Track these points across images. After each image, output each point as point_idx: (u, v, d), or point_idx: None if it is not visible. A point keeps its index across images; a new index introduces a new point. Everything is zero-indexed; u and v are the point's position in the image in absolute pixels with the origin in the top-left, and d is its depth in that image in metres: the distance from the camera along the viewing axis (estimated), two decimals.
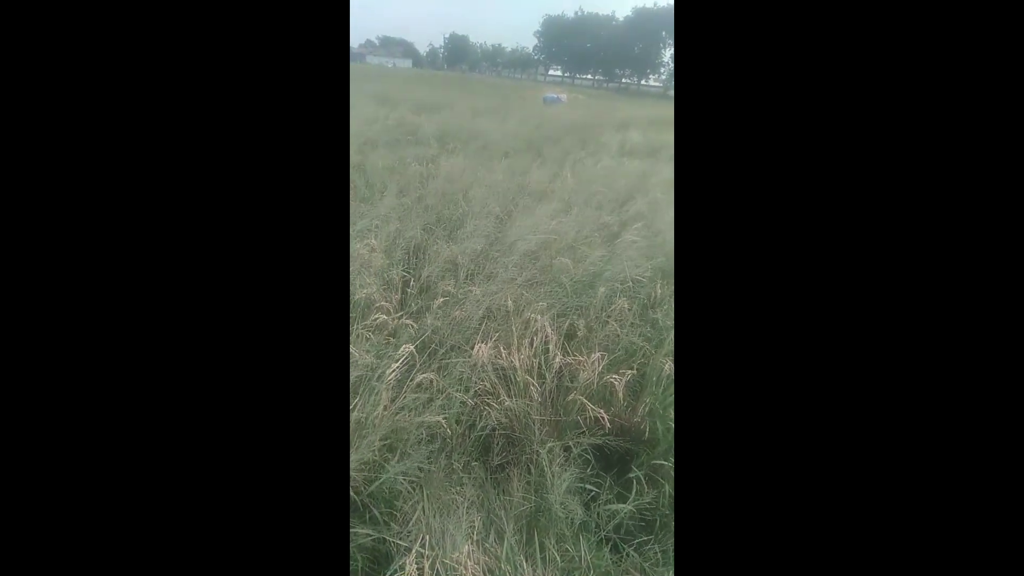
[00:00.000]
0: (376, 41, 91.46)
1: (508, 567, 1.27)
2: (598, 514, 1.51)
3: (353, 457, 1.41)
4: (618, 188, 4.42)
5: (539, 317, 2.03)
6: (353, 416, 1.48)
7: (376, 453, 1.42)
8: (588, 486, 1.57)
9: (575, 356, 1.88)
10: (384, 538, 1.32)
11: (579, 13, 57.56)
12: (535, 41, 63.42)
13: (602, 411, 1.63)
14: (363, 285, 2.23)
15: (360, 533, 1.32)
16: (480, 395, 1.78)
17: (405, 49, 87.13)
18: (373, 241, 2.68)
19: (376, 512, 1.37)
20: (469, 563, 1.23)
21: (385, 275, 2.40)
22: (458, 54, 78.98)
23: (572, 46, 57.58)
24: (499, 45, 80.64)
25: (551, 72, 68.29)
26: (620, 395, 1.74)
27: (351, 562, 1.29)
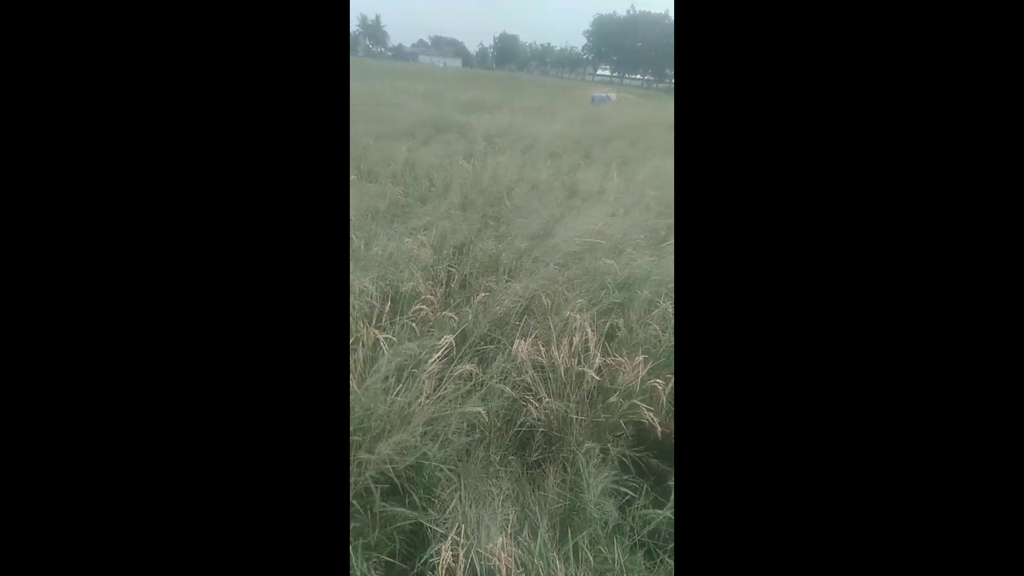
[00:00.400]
0: (428, 41, 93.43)
1: (541, 562, 1.28)
2: (633, 518, 1.50)
3: (394, 441, 1.46)
4: (668, 190, 4.32)
5: (578, 316, 2.02)
6: (396, 402, 1.53)
7: (418, 439, 1.46)
8: (624, 489, 1.56)
9: (615, 357, 1.86)
10: (422, 523, 1.36)
11: (631, 12, 56.53)
12: (584, 40, 62.86)
13: (654, 416, 1.61)
14: (410, 278, 2.30)
15: (399, 515, 1.37)
16: (519, 390, 1.79)
17: (456, 49, 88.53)
18: (422, 237, 2.76)
19: (416, 497, 1.41)
20: (503, 555, 1.25)
21: (431, 270, 2.47)
22: (507, 53, 79.41)
23: (622, 45, 56.62)
24: (548, 44, 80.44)
25: (600, 72, 67.43)
26: (663, 400, 1.71)
27: (390, 543, 1.34)
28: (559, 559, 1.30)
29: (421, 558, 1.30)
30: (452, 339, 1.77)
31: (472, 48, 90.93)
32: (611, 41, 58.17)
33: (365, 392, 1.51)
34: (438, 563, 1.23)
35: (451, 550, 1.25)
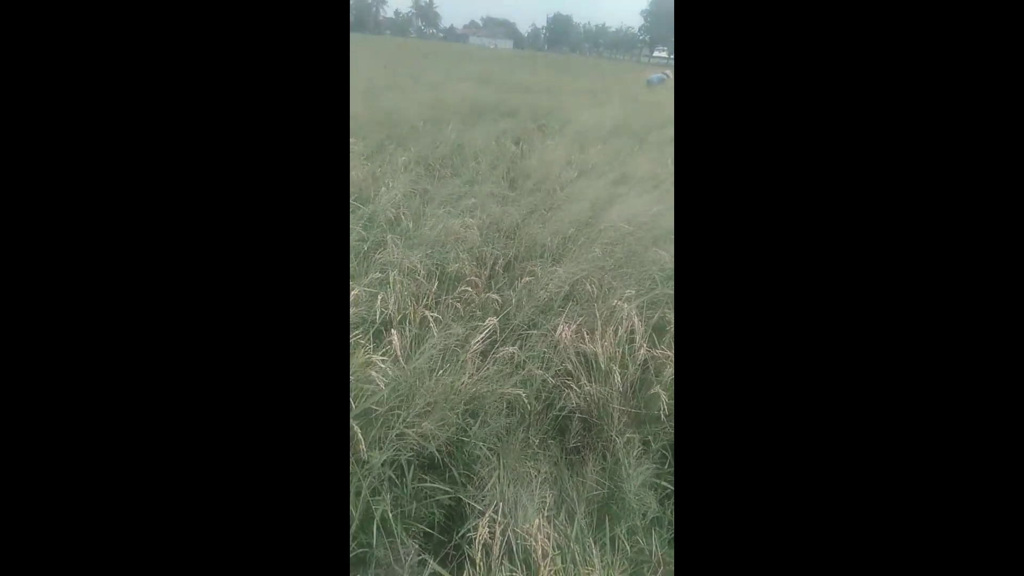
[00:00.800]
0: (480, 22, 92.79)
1: (577, 547, 1.28)
2: (672, 512, 1.47)
3: (436, 418, 1.49)
4: None
5: (625, 305, 1.97)
6: (440, 379, 1.56)
7: (459, 417, 1.49)
8: (664, 483, 1.53)
9: (663, 350, 1.81)
10: (460, 498, 1.40)
11: None
12: (641, 21, 60.42)
13: None
14: (456, 259, 2.32)
15: (438, 490, 1.41)
16: (560, 375, 1.79)
17: (507, 30, 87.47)
18: (468, 219, 2.77)
19: (455, 472, 1.44)
20: (539, 536, 1.26)
21: (477, 252, 2.48)
22: (560, 35, 77.67)
23: None
24: (603, 25, 77.98)
25: (656, 53, 64.79)
26: None
27: (429, 515, 1.38)
28: (595, 546, 1.30)
29: (459, 532, 1.34)
30: (496, 321, 1.78)
31: (524, 29, 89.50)
32: (670, 21, 55.63)
33: (412, 370, 1.55)
34: (475, 538, 1.25)
35: (488, 527, 1.27)
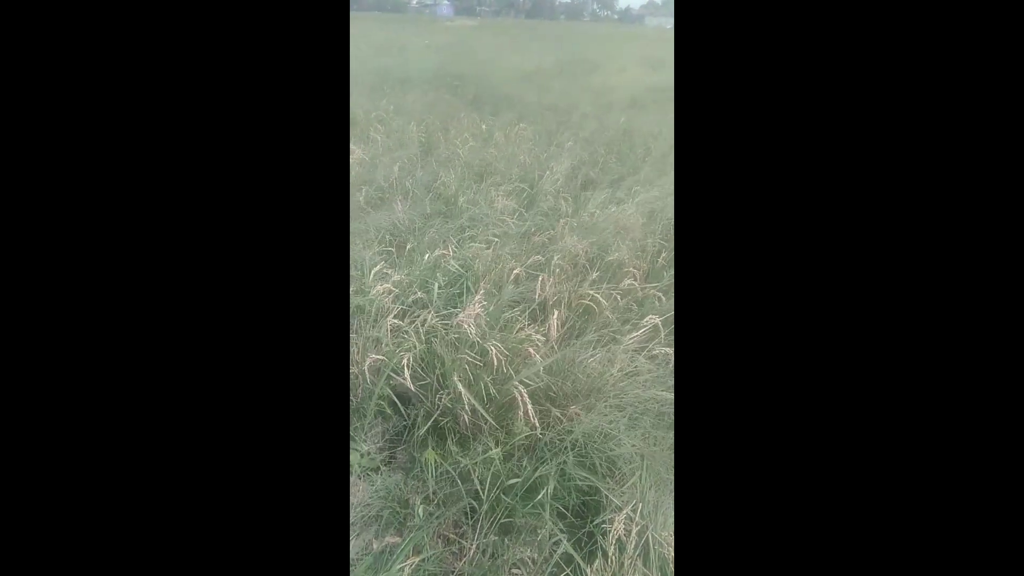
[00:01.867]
0: (659, 1, 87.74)
1: None
2: None
3: (584, 404, 1.50)
4: None
5: None
6: (591, 368, 1.56)
7: (607, 409, 1.48)
8: None
9: None
10: (598, 488, 1.39)
11: None
12: None
13: None
14: (616, 248, 2.27)
15: (578, 476, 1.42)
16: None
17: None
18: (629, 207, 2.69)
19: (596, 461, 1.44)
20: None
21: (639, 243, 2.40)
22: None
23: None
24: None
25: None
26: None
27: (567, 496, 1.41)
28: None
29: (593, 520, 1.34)
30: (659, 321, 1.70)
31: None
32: None
33: (564, 353, 1.58)
34: (610, 531, 1.24)
35: (624, 525, 1.25)
